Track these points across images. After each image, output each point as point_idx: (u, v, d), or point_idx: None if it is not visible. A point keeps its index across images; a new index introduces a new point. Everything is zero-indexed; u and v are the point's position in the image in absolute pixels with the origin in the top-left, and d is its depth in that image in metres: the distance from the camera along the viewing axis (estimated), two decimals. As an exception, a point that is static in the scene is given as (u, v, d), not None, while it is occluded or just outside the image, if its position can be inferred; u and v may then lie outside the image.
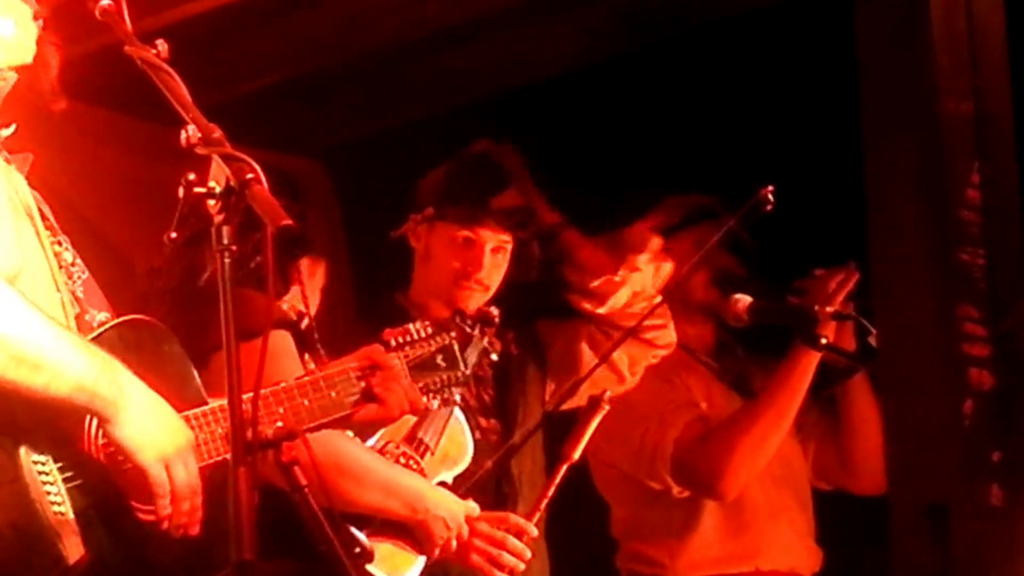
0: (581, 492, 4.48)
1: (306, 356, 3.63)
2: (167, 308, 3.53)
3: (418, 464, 3.84)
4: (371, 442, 3.79)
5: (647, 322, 4.26)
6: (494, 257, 4.14)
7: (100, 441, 2.63)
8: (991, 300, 4.20)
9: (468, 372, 3.30)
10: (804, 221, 4.68)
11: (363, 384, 3.05)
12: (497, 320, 3.47)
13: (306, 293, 3.61)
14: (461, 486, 3.92)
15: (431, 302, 4.13)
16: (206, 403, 2.78)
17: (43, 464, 2.59)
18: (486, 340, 3.40)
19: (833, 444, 4.69)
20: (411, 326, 3.25)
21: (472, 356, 3.33)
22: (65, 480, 2.60)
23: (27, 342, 2.54)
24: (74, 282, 2.84)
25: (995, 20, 4.31)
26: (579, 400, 4.21)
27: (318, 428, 2.99)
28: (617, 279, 4.24)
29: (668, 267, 4.32)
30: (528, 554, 3.90)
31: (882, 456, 4.38)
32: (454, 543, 3.77)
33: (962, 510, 4.08)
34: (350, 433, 3.62)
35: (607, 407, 4.06)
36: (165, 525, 2.64)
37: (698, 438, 4.45)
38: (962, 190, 4.20)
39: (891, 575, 4.17)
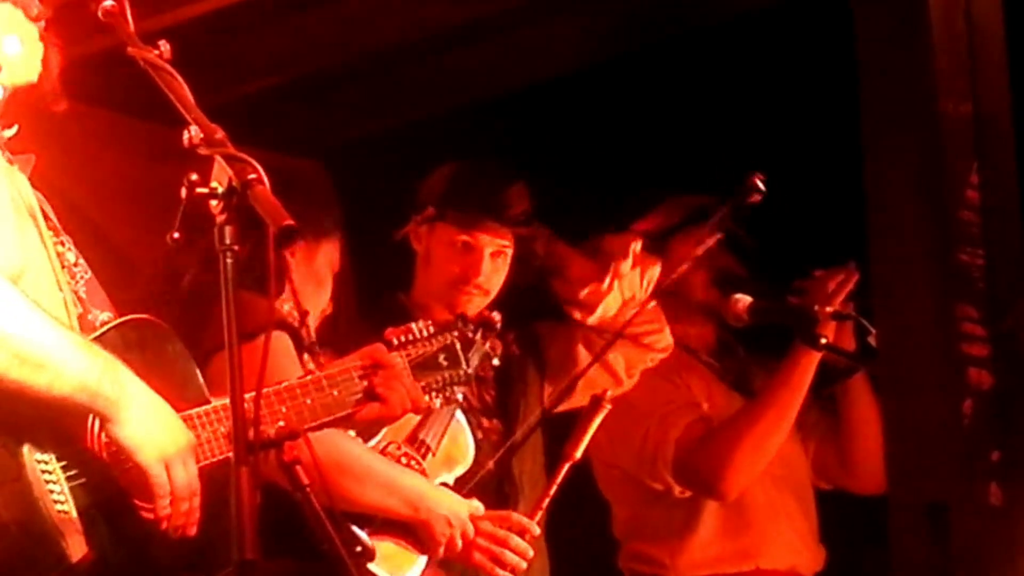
0: (583, 492, 4.48)
1: (305, 356, 3.63)
2: (168, 308, 3.53)
3: (420, 465, 3.84)
4: (373, 443, 3.80)
5: (643, 327, 4.27)
6: (494, 262, 4.13)
7: (103, 439, 2.63)
8: (990, 300, 4.19)
9: (470, 371, 3.31)
10: (804, 221, 4.69)
11: (365, 383, 3.06)
12: (499, 325, 3.48)
13: (296, 288, 3.60)
14: (463, 486, 3.93)
15: (433, 304, 4.12)
16: (208, 402, 2.78)
17: (46, 463, 2.59)
18: (488, 345, 3.41)
19: (833, 444, 4.69)
20: (413, 325, 3.26)
21: (475, 358, 3.34)
22: (68, 479, 2.61)
23: (30, 341, 2.54)
24: (77, 282, 2.84)
25: (995, 20, 4.31)
26: (580, 400, 4.21)
27: (320, 427, 2.99)
28: (603, 288, 4.24)
29: (655, 268, 4.31)
30: (531, 553, 3.90)
31: (882, 456, 4.37)
32: (459, 541, 3.76)
33: (962, 509, 4.07)
34: (352, 433, 3.63)
35: (608, 407, 4.07)
36: (164, 525, 2.64)
37: (699, 438, 4.44)
38: (962, 190, 4.20)
39: (891, 575, 4.17)
